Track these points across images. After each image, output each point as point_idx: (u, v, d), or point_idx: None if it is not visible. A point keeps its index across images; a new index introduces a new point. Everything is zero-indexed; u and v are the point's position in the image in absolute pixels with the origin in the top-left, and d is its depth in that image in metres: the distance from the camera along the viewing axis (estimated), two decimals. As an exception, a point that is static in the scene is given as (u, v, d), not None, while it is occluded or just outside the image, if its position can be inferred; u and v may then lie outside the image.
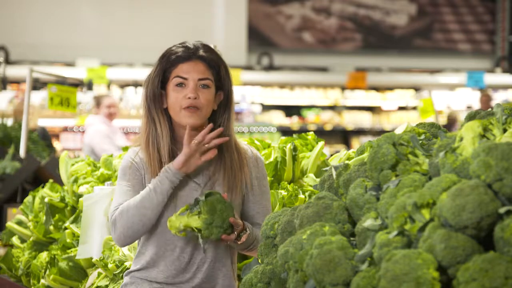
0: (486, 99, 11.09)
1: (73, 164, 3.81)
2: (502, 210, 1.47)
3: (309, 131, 4.15)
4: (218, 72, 2.54)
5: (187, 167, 2.44)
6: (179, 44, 2.55)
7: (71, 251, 3.42)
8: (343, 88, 12.90)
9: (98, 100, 7.81)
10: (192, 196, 2.48)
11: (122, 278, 2.99)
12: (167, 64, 2.51)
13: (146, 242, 2.54)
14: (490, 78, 12.54)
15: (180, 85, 2.49)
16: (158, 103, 2.51)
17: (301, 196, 3.02)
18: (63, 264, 3.38)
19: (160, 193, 2.43)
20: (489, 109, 1.96)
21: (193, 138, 2.46)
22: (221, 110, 2.56)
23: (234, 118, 2.61)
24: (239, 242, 2.46)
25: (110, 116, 7.77)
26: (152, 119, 2.51)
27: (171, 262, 2.50)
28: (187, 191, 2.49)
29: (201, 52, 2.51)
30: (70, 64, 11.48)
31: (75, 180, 3.70)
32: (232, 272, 2.57)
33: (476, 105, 13.09)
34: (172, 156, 2.51)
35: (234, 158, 2.53)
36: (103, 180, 3.59)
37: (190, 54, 2.50)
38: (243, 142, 2.66)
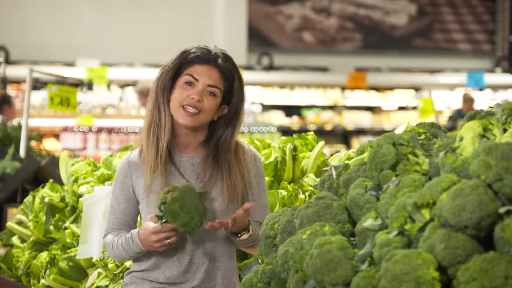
0: (469, 104, 11.04)
1: (73, 164, 3.81)
2: (502, 210, 1.47)
3: (309, 131, 4.15)
4: (230, 85, 2.53)
5: (150, 247, 2.45)
6: (203, 45, 2.56)
7: (71, 251, 3.42)
8: (343, 88, 12.90)
9: None
10: None
11: (122, 278, 2.99)
12: (184, 60, 2.51)
13: None
14: (490, 78, 12.54)
15: (189, 83, 2.49)
16: (167, 95, 2.52)
17: (301, 196, 3.03)
18: (63, 264, 3.38)
19: (130, 252, 2.51)
20: (489, 109, 1.96)
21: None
22: (224, 123, 2.55)
23: (239, 132, 2.60)
24: (239, 239, 2.48)
25: None
26: (158, 108, 2.52)
27: (171, 263, 2.51)
28: None
29: (220, 60, 2.52)
30: (70, 64, 11.48)
31: (75, 180, 3.70)
32: (231, 271, 2.57)
33: (477, 105, 13.08)
34: (170, 149, 2.51)
35: (233, 170, 2.53)
36: (103, 180, 3.59)
37: (209, 58, 2.51)
38: (243, 142, 2.65)
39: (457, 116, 11.00)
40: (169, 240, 2.40)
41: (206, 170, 2.53)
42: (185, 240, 2.50)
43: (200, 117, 2.48)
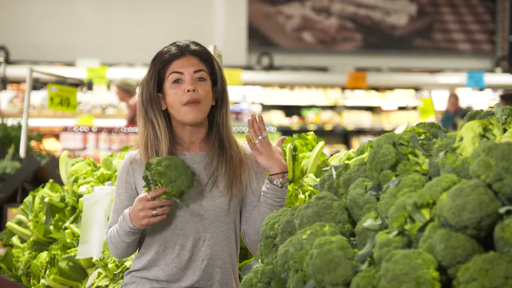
0: (454, 101, 11.05)
1: (73, 164, 3.81)
2: (502, 210, 1.47)
3: (309, 131, 4.15)
4: (212, 66, 2.56)
5: (136, 222, 2.43)
6: (169, 44, 2.58)
7: (71, 251, 3.42)
8: (343, 88, 12.89)
9: None
10: (194, 194, 2.49)
11: (122, 278, 2.99)
12: (160, 64, 2.53)
13: (146, 243, 2.55)
14: (490, 78, 12.54)
15: (177, 81, 2.51)
16: (156, 105, 2.52)
17: (301, 196, 3.02)
18: (63, 264, 3.38)
19: (122, 235, 2.49)
20: (489, 109, 1.97)
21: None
22: (218, 107, 2.58)
23: (230, 112, 2.62)
24: (280, 179, 2.52)
25: None
26: (150, 122, 2.52)
27: (171, 259, 2.51)
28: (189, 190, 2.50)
29: (192, 47, 2.55)
30: (70, 64, 11.48)
31: (75, 180, 3.70)
32: (231, 270, 2.57)
33: (477, 105, 13.08)
34: (172, 150, 2.52)
35: (234, 151, 2.56)
36: (103, 180, 3.59)
37: (182, 50, 2.53)
38: (241, 141, 2.67)
39: (445, 116, 10.99)
40: (155, 211, 2.38)
41: (209, 165, 2.54)
42: (184, 236, 2.50)
43: (202, 106, 2.51)
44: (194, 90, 2.48)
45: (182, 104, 2.48)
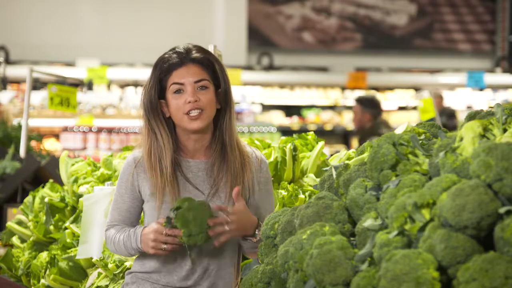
0: (438, 101, 11.04)
1: (73, 164, 3.81)
2: (502, 210, 1.47)
3: (309, 131, 4.15)
4: (213, 71, 2.52)
5: (145, 247, 2.45)
6: (170, 50, 2.53)
7: (71, 251, 3.42)
8: (343, 88, 12.89)
9: None
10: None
11: (122, 278, 2.99)
12: (161, 73, 2.50)
13: None
14: (490, 78, 12.53)
15: (178, 91, 2.47)
16: (157, 113, 2.50)
17: (301, 196, 3.02)
18: (63, 264, 3.38)
19: (129, 248, 2.51)
20: (489, 109, 1.97)
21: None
22: (222, 110, 2.55)
23: (235, 116, 2.60)
24: (254, 240, 2.48)
25: None
26: (152, 130, 2.50)
27: (172, 268, 2.50)
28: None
29: (193, 54, 2.50)
30: (70, 64, 11.47)
31: (75, 180, 3.70)
32: (233, 280, 2.57)
33: (477, 105, 13.08)
34: (176, 164, 2.50)
35: (236, 156, 2.53)
36: (103, 180, 3.59)
37: (182, 59, 2.48)
38: (247, 145, 2.64)
39: None
40: (165, 246, 2.39)
41: (213, 165, 2.52)
42: (189, 247, 2.49)
43: (206, 114, 2.48)
44: (196, 101, 2.46)
45: (184, 113, 2.47)
